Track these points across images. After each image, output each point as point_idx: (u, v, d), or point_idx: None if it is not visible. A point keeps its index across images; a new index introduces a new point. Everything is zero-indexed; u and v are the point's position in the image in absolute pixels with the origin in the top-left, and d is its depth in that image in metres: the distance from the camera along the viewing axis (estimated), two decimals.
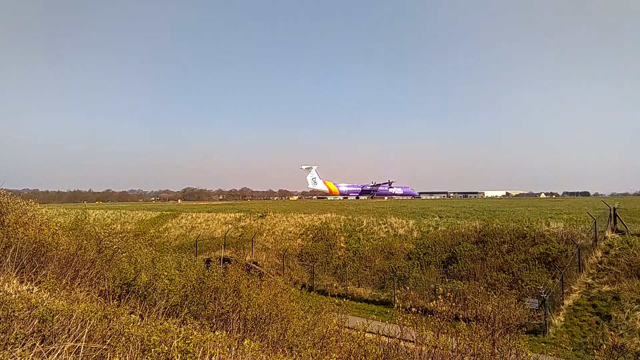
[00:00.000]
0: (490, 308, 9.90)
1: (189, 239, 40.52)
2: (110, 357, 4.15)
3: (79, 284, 8.31)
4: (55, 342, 4.18)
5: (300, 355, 6.14)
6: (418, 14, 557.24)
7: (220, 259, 30.48)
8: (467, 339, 7.53)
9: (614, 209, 26.09)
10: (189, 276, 10.09)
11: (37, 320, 4.46)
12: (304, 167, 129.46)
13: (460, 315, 10.89)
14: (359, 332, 6.95)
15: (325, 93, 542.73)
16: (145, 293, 8.76)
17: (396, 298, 24.20)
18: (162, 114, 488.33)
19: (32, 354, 3.84)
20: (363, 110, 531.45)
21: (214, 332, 5.23)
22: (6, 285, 6.37)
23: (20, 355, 3.77)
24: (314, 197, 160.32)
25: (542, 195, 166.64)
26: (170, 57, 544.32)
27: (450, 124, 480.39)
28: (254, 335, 7.52)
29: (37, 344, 4.04)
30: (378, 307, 24.59)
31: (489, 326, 8.77)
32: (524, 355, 7.73)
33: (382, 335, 7.96)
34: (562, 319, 19.12)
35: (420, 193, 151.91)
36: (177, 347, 4.29)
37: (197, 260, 19.03)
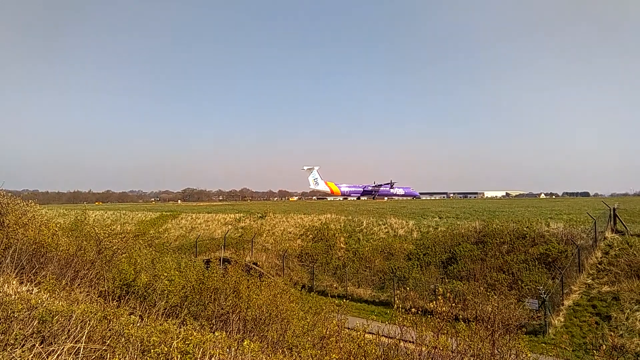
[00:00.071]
0: (490, 308, 9.90)
1: (189, 240, 40.50)
2: (110, 357, 4.15)
3: (78, 284, 8.31)
4: (55, 343, 4.18)
5: (300, 356, 6.14)
6: (418, 14, 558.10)
7: (220, 260, 30.44)
8: (467, 339, 7.53)
9: (614, 209, 26.11)
10: (188, 277, 10.08)
11: (36, 321, 4.46)
12: (305, 167, 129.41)
13: (460, 316, 10.89)
14: (358, 333, 6.95)
15: (325, 93, 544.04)
16: (145, 294, 8.76)
17: (396, 299, 24.19)
18: (162, 114, 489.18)
19: (31, 355, 3.84)
20: (363, 110, 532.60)
21: (213, 332, 5.22)
22: (6, 286, 6.38)
23: (20, 356, 3.77)
24: (314, 197, 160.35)
25: (542, 196, 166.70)
26: (170, 57, 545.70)
27: (450, 124, 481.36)
28: (253, 336, 7.51)
29: (37, 345, 4.04)
30: (378, 307, 24.58)
31: (489, 327, 8.77)
32: (523, 356, 7.73)
33: (382, 335, 7.96)
34: (562, 320, 19.12)
35: (420, 193, 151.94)
36: (176, 347, 4.29)
37: (197, 261, 19.01)
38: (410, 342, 7.53)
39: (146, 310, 7.60)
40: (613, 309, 18.34)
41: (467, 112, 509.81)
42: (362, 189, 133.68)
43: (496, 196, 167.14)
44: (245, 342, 4.88)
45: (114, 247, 11.78)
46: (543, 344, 17.46)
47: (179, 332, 4.94)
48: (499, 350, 7.99)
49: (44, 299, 5.66)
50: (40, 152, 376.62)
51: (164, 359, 4.10)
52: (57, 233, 11.29)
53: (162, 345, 4.25)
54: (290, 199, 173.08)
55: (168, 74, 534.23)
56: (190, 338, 4.58)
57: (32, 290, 6.75)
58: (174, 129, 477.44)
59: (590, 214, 27.25)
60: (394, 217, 37.47)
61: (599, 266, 21.93)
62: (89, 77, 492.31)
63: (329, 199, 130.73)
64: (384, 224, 35.50)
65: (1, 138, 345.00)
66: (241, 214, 47.33)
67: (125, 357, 4.18)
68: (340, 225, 37.20)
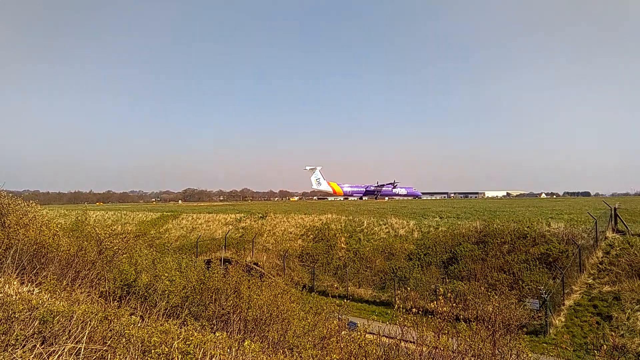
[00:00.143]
0: (490, 308, 9.89)
1: (190, 240, 40.54)
2: (110, 358, 4.15)
3: (79, 285, 8.32)
4: (56, 344, 4.18)
5: (300, 356, 6.14)
6: (418, 14, 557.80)
7: (220, 260, 30.44)
8: (468, 339, 7.52)
9: (615, 209, 26.07)
10: (189, 277, 10.09)
11: (37, 322, 4.46)
12: (308, 167, 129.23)
13: (461, 316, 10.90)
14: (359, 333, 6.95)
15: (325, 93, 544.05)
16: (145, 294, 8.76)
17: (397, 299, 24.19)
18: (162, 114, 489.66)
19: (32, 355, 3.84)
20: (363, 110, 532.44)
21: (214, 333, 5.23)
22: (7, 286, 6.38)
23: (21, 357, 3.78)
24: (315, 197, 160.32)
25: (543, 196, 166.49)
26: (170, 57, 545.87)
27: (451, 124, 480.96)
28: (254, 336, 7.51)
29: (38, 345, 4.04)
30: (379, 307, 24.58)
31: (490, 327, 8.77)
32: (524, 356, 7.72)
33: (383, 336, 7.96)
34: (563, 320, 19.09)
35: (421, 193, 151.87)
36: (177, 348, 4.29)
37: (198, 261, 19.03)
38: (411, 342, 7.53)
39: (147, 311, 7.60)
40: (614, 308, 18.31)
41: (467, 112, 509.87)
42: (364, 189, 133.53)
43: (497, 196, 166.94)
44: (246, 343, 4.88)
45: (115, 248, 11.78)
46: (544, 344, 17.43)
47: (180, 333, 4.94)
48: (499, 350, 7.99)
49: (45, 300, 5.67)
50: (40, 152, 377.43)
51: (164, 359, 4.10)
52: (58, 233, 11.30)
53: (163, 346, 4.26)
54: (291, 199, 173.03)
55: (168, 74, 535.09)
56: (191, 338, 4.58)
57: (33, 290, 6.76)
58: (174, 129, 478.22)
59: (591, 214, 27.22)
60: (395, 217, 37.46)
61: (600, 266, 21.90)
62: (89, 77, 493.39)
63: (329, 199, 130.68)
64: (385, 224, 35.49)
65: (1, 138, 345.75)
66: (242, 214, 47.36)
67: (126, 357, 4.18)
68: (341, 226, 37.20)
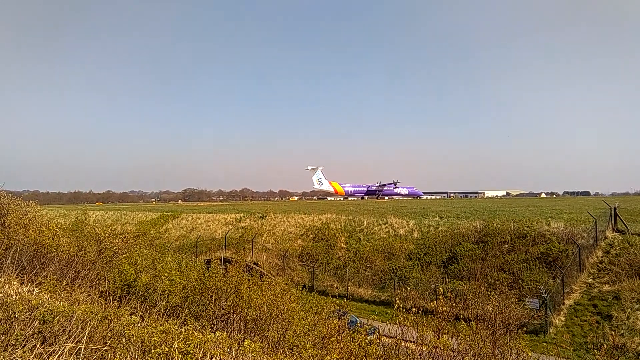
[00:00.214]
0: (490, 308, 9.90)
1: (190, 240, 40.54)
2: (110, 358, 4.15)
3: (79, 285, 8.32)
4: (56, 344, 4.18)
5: (301, 356, 6.14)
6: (418, 14, 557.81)
7: (220, 260, 30.46)
8: (468, 339, 7.52)
9: (615, 208, 26.09)
10: (189, 277, 10.08)
11: (37, 322, 4.46)
12: (309, 167, 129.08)
13: (461, 316, 10.90)
14: (359, 333, 6.95)
15: (325, 93, 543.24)
16: (145, 294, 8.76)
17: (397, 298, 24.20)
18: (162, 114, 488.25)
19: (32, 355, 3.84)
20: (363, 110, 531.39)
21: (214, 332, 5.23)
22: (7, 286, 6.38)
23: (21, 357, 3.78)
24: (315, 197, 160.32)
25: (543, 195, 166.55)
26: (170, 57, 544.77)
27: (451, 124, 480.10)
28: (254, 336, 7.51)
29: (38, 345, 4.04)
30: (379, 307, 24.60)
31: (490, 326, 8.77)
32: (524, 355, 7.72)
33: (383, 335, 7.97)
34: (563, 319, 19.11)
35: None
36: (177, 348, 4.29)
37: (198, 261, 19.03)
38: (411, 341, 7.53)
39: (147, 311, 7.60)
40: (614, 308, 18.33)
41: (467, 112, 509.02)
42: (365, 189, 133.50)
43: (497, 195, 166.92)
44: (246, 342, 4.88)
45: (115, 248, 11.78)
46: (544, 344, 17.45)
47: (180, 333, 4.94)
48: (499, 349, 7.99)
49: (45, 300, 5.67)
50: (40, 152, 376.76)
51: (165, 359, 4.10)
52: (57, 233, 11.29)
53: (163, 346, 4.26)
54: (291, 199, 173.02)
55: (168, 74, 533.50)
56: (191, 338, 4.58)
57: (33, 290, 6.76)
58: (174, 129, 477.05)
59: (590, 214, 27.23)
60: (395, 216, 37.47)
61: (600, 265, 21.92)
62: (89, 77, 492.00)
63: (329, 199, 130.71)
64: (385, 224, 35.50)
65: (1, 138, 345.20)
66: (242, 214, 47.37)
67: (126, 357, 4.18)
68: (341, 225, 37.21)
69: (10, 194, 14.35)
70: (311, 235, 36.68)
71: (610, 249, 22.96)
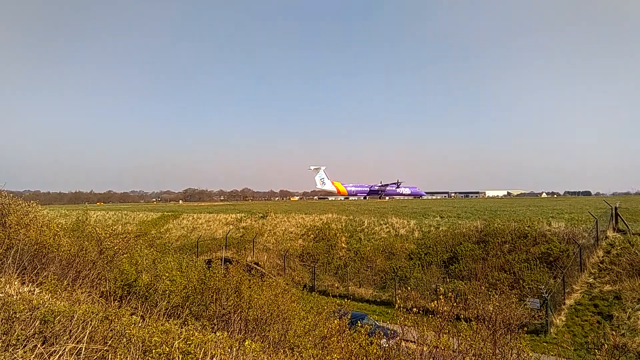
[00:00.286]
0: (491, 308, 9.88)
1: (190, 240, 40.57)
2: (111, 358, 4.16)
3: (80, 285, 8.33)
4: (57, 344, 4.19)
5: (301, 356, 6.15)
6: (418, 14, 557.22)
7: (221, 260, 30.47)
8: (469, 339, 7.52)
9: (615, 208, 26.05)
10: (190, 277, 10.09)
11: (38, 322, 4.47)
12: (312, 167, 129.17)
13: (462, 316, 10.88)
14: (360, 333, 6.95)
15: (325, 93, 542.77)
16: (146, 294, 8.77)
17: (397, 298, 24.18)
18: (162, 114, 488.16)
19: (33, 355, 3.85)
20: (363, 110, 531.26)
21: (215, 332, 5.23)
22: (7, 286, 6.38)
23: (22, 357, 3.78)
24: (315, 197, 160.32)
25: (544, 195, 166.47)
26: (170, 57, 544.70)
27: (451, 124, 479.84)
28: (255, 335, 7.52)
29: (39, 345, 4.05)
30: (379, 307, 24.59)
31: (490, 326, 8.76)
32: (525, 355, 7.72)
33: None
34: (564, 319, 19.09)
35: None
36: (178, 347, 4.29)
37: (199, 261, 19.05)
38: (411, 341, 7.54)
39: (148, 311, 7.61)
40: (615, 308, 18.30)
41: (468, 111, 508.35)
42: (368, 189, 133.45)
43: (497, 195, 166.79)
44: (247, 342, 4.88)
45: (116, 248, 11.78)
46: (545, 344, 17.43)
47: (181, 333, 4.95)
48: (500, 349, 7.98)
49: (46, 300, 5.67)
50: (41, 152, 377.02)
51: (165, 359, 4.10)
52: (58, 233, 11.31)
53: (164, 346, 4.26)
54: (292, 199, 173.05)
55: (168, 74, 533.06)
56: (191, 338, 4.59)
57: (34, 290, 6.76)
58: (174, 129, 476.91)
59: (591, 213, 27.19)
60: (395, 216, 37.46)
61: (601, 265, 21.89)
62: (89, 77, 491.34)
63: (330, 199, 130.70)
64: (385, 224, 35.49)
65: (1, 138, 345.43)
66: (242, 214, 47.38)
67: (127, 357, 4.19)
68: (342, 225, 37.21)
69: (11, 194, 14.36)
70: (312, 235, 36.68)
71: (611, 248, 22.92)
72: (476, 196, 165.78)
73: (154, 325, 5.18)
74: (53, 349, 4.05)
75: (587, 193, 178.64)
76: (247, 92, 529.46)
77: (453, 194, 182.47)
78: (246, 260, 27.97)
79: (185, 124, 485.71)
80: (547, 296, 18.77)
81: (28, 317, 4.54)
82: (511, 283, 22.74)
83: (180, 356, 4.15)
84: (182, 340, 4.53)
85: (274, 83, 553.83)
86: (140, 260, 10.62)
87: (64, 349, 4.04)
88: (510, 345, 7.98)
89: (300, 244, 35.68)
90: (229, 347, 4.75)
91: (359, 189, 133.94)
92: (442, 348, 6.70)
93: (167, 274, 9.46)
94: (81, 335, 4.36)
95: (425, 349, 6.99)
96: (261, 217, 44.18)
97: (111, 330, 4.81)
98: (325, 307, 11.12)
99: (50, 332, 4.37)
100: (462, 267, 25.60)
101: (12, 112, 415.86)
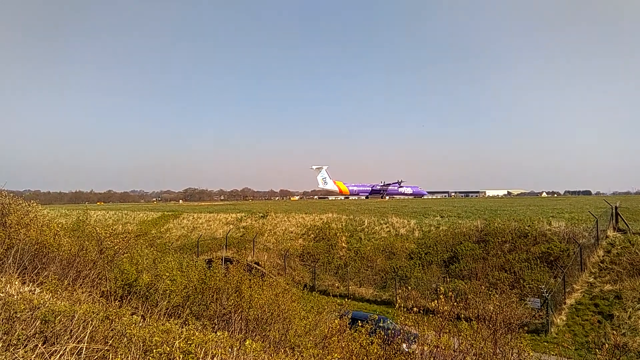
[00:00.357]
0: (492, 307, 9.88)
1: (191, 240, 40.58)
2: (112, 357, 4.16)
3: (80, 284, 8.33)
4: (58, 343, 4.19)
5: (302, 356, 6.15)
6: (418, 14, 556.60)
7: (222, 260, 30.46)
8: (469, 338, 7.52)
9: (616, 207, 26.03)
10: (190, 277, 10.09)
11: (39, 322, 4.47)
12: (314, 167, 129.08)
13: (462, 315, 10.87)
14: (360, 332, 6.95)
15: (325, 93, 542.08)
16: (147, 294, 8.78)
17: (398, 298, 24.18)
18: (162, 114, 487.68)
19: (34, 355, 3.85)
20: (363, 110, 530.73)
21: (215, 332, 5.23)
22: (8, 286, 6.38)
23: (23, 357, 3.78)
24: (316, 197, 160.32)
25: (544, 195, 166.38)
26: (170, 57, 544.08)
27: (451, 124, 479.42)
28: (255, 335, 7.52)
29: (40, 345, 4.05)
30: (380, 307, 24.58)
31: (491, 326, 8.76)
32: (525, 355, 7.72)
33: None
34: (564, 318, 19.08)
35: None
36: (179, 347, 4.29)
37: (199, 260, 19.04)
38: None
39: (148, 310, 7.60)
40: (615, 307, 18.29)
41: (468, 111, 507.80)
42: (370, 188, 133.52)
43: (498, 195, 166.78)
44: (247, 342, 4.88)
45: (116, 247, 11.78)
46: (545, 343, 17.43)
47: (181, 332, 4.95)
48: (501, 349, 7.98)
49: (46, 299, 5.68)
50: (41, 152, 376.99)
51: (166, 358, 4.10)
52: (59, 233, 11.32)
53: (165, 345, 4.26)
54: (292, 199, 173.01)
55: (168, 74, 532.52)
56: (192, 338, 4.59)
57: (35, 290, 6.77)
58: (174, 129, 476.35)
59: (592, 213, 27.18)
60: (396, 216, 37.46)
61: (601, 265, 21.88)
62: (89, 77, 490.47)
63: (330, 198, 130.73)
64: (386, 223, 35.49)
65: (1, 138, 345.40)
66: (243, 214, 47.39)
67: (127, 357, 4.18)
68: (342, 225, 37.21)
69: (11, 194, 14.35)
70: (312, 235, 36.69)
71: (611, 248, 22.91)
72: (476, 196, 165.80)
73: (155, 325, 5.18)
74: (54, 349, 4.05)
75: (588, 192, 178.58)
76: (247, 92, 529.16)
77: (453, 194, 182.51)
78: (246, 260, 27.94)
79: (185, 124, 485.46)
80: (548, 296, 18.76)
81: (29, 317, 4.54)
82: (512, 282, 22.74)
83: (181, 356, 4.15)
84: (182, 340, 4.53)
85: (274, 83, 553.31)
86: (140, 260, 10.62)
87: (65, 349, 4.03)
88: (511, 345, 7.98)
89: (301, 244, 35.68)
90: (229, 347, 4.75)
91: (361, 188, 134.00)
92: (443, 347, 6.70)
93: (167, 274, 9.47)
94: (82, 335, 4.36)
95: (425, 348, 7.00)
96: (261, 216, 44.19)
97: (112, 330, 4.81)
98: (326, 307, 11.13)
99: (51, 331, 4.37)
100: (463, 267, 25.60)
101: (12, 112, 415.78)
